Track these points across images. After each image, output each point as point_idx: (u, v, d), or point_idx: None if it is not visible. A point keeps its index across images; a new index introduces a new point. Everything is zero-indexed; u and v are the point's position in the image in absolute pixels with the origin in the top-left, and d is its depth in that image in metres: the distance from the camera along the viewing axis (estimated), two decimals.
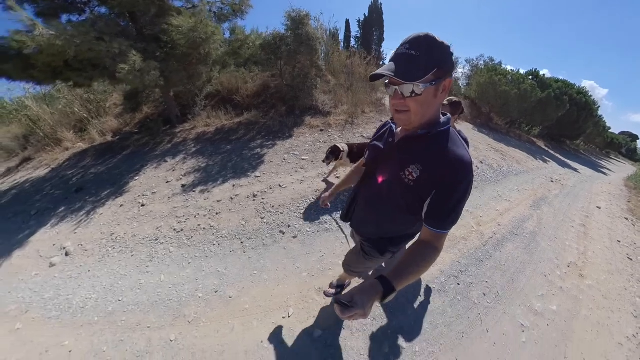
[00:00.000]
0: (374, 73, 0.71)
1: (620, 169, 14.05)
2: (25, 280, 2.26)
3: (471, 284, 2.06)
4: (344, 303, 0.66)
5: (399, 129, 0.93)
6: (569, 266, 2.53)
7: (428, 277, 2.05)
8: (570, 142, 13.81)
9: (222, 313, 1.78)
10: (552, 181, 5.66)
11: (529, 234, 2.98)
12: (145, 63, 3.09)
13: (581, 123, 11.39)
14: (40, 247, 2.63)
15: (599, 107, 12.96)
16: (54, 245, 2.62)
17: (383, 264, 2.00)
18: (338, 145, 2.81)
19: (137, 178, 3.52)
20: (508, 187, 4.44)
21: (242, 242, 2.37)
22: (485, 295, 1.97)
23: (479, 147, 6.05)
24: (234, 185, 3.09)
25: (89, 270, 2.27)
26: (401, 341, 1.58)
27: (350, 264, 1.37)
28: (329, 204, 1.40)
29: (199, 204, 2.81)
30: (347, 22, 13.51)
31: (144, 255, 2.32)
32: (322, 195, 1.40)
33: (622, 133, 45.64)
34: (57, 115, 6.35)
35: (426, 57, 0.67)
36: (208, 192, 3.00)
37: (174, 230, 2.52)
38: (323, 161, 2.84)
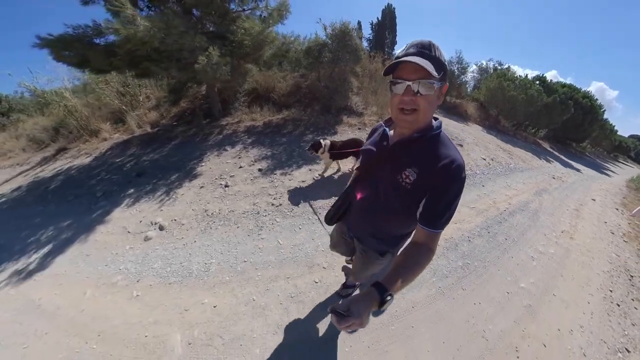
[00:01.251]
0: (400, 59, 0.76)
1: (625, 172, 14.84)
2: (121, 253, 2.60)
3: (496, 234, 3.04)
4: (340, 313, 0.68)
5: (392, 132, 0.99)
6: (562, 232, 3.46)
7: (469, 228, 3.01)
8: (576, 145, 14.82)
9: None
10: (553, 178, 6.59)
11: (532, 211, 3.92)
12: (221, 58, 3.86)
13: (586, 126, 12.41)
14: (123, 224, 3.05)
15: (605, 110, 13.98)
16: (140, 221, 3.02)
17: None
18: (321, 140, 3.36)
19: (202, 164, 4.15)
20: (515, 180, 5.36)
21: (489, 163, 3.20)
22: (506, 239, 2.97)
23: (489, 146, 6.98)
24: (310, 170, 3.89)
25: (194, 241, 2.66)
26: (462, 262, 2.48)
27: (357, 272, 1.46)
28: None
29: (286, 184, 3.52)
30: (359, 23, 14.52)
31: (252, 226, 2.82)
32: None
33: (632, 136, 46.30)
34: (91, 107, 7.07)
35: (437, 58, 0.76)
36: (289, 174, 3.71)
37: (272, 205, 3.15)
38: (306, 150, 3.47)
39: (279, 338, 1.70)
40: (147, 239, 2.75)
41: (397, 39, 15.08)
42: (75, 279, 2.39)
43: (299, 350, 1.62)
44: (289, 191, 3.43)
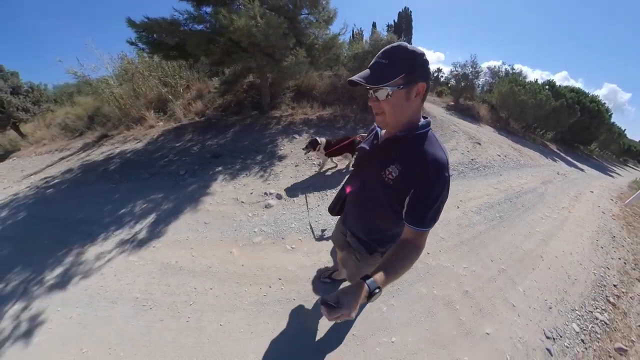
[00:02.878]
0: (350, 79, 0.90)
1: (632, 175, 15.95)
2: (246, 220, 3.11)
3: (516, 203, 4.36)
4: (330, 304, 0.76)
5: (383, 131, 1.12)
6: (562, 207, 4.78)
7: (497, 199, 4.29)
8: (583, 147, 16.28)
9: None
10: (558, 173, 7.94)
11: (540, 193, 5.24)
12: (305, 58, 4.89)
13: (592, 129, 13.88)
14: (232, 196, 3.63)
15: (612, 114, 15.45)
16: (251, 193, 3.63)
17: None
18: (317, 138, 3.83)
19: (282, 149, 4.98)
20: (525, 173, 6.68)
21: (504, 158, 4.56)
22: (523, 206, 4.29)
23: (502, 145, 8.33)
24: None
25: (318, 205, 3.36)
26: (498, 215, 3.73)
27: (347, 271, 1.58)
28: None
29: None
30: (374, 24, 15.86)
31: None
32: None
33: None
34: (129, 96, 7.62)
35: (394, 64, 0.85)
36: None
37: None
38: (303, 149, 3.99)
39: None
40: (268, 206, 3.32)
41: (412, 41, 16.48)
42: (208, 243, 2.80)
43: None
44: None
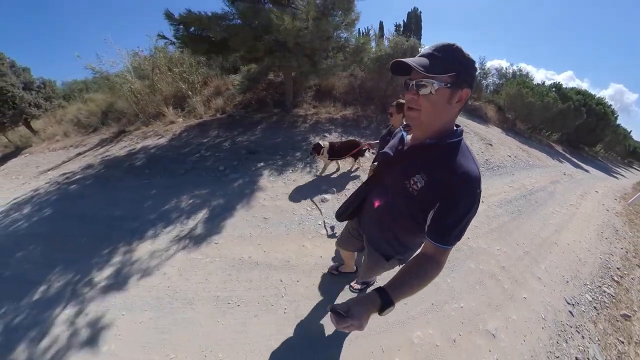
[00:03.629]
0: (399, 60, 0.86)
1: (636, 176, 16.78)
2: (307, 214, 3.35)
3: (530, 199, 4.97)
4: (340, 313, 0.77)
5: (409, 137, 1.09)
6: (570, 204, 5.39)
7: (513, 195, 4.88)
8: (588, 149, 17.09)
9: None
10: (564, 174, 8.58)
11: (550, 192, 5.86)
12: (341, 61, 5.40)
13: (598, 131, 14.60)
14: (284, 191, 3.87)
15: (618, 116, 16.17)
16: (303, 188, 3.95)
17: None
18: (320, 142, 3.91)
19: None
20: (534, 173, 7.29)
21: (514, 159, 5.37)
22: (536, 202, 4.90)
23: (512, 147, 8.94)
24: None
25: None
26: (517, 209, 4.29)
27: (362, 272, 1.60)
28: None
29: None
30: (381, 23, 16.38)
31: None
32: None
33: None
34: (144, 92, 7.70)
35: (448, 60, 0.82)
36: None
37: None
38: (309, 155, 4.18)
39: None
40: (324, 200, 3.57)
41: (422, 42, 16.94)
42: (275, 238, 2.94)
43: None
44: None
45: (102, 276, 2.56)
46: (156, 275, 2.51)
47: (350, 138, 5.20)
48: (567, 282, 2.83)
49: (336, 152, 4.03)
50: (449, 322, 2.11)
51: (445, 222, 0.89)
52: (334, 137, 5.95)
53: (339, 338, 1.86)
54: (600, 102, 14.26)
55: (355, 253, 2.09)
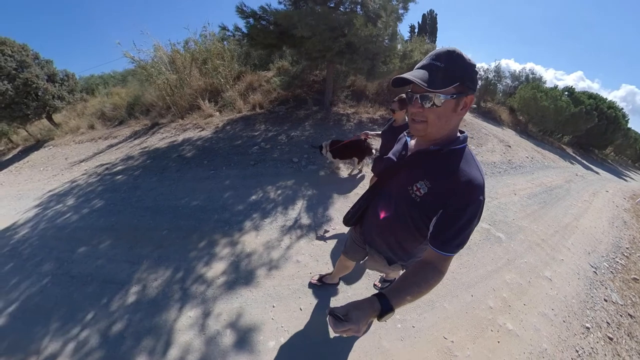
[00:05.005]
0: (398, 76, 0.89)
1: None
2: None
3: (550, 194, 6.05)
4: (338, 316, 0.80)
5: (413, 142, 1.15)
6: (584, 200, 6.48)
7: (536, 190, 5.94)
8: (598, 152, 18.30)
9: None
10: (576, 175, 9.68)
11: (565, 189, 6.95)
12: (398, 65, 6.19)
13: (609, 134, 15.73)
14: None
15: (628, 119, 17.27)
16: None
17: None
18: (322, 143, 4.12)
19: (374, 142, 5.20)
20: (550, 173, 8.35)
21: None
22: (556, 197, 5.99)
23: (527, 148, 10.03)
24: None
25: None
26: (541, 200, 5.32)
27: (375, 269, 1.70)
28: None
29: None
30: None
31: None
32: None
33: None
34: (179, 84, 8.04)
35: (450, 70, 0.85)
36: None
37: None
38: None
39: None
40: None
41: (437, 43, 18.08)
42: None
43: None
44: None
45: (215, 272, 2.60)
46: (289, 264, 2.67)
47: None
48: (589, 253, 3.87)
49: (338, 150, 4.06)
50: (522, 270, 3.15)
51: (448, 229, 0.92)
52: None
53: None
54: (612, 106, 15.43)
55: (353, 266, 2.06)
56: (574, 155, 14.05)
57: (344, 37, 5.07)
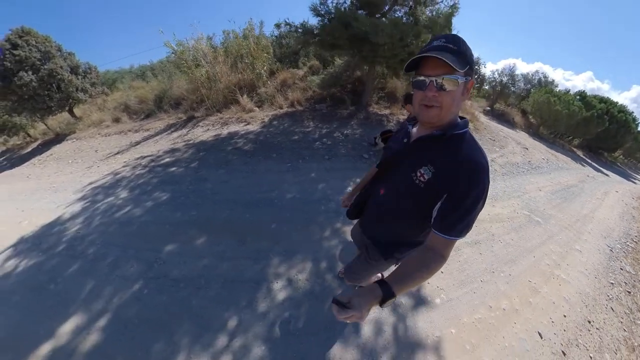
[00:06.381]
0: (422, 54, 0.94)
1: None
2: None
3: (568, 191, 7.21)
4: (342, 303, 0.89)
5: (415, 129, 1.22)
6: (597, 198, 7.63)
7: (556, 187, 7.10)
8: (608, 154, 19.64)
9: None
10: (588, 176, 10.84)
11: (579, 188, 8.10)
12: None
13: (619, 138, 16.96)
14: None
15: (639, 123, 18.52)
16: None
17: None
18: (374, 136, 4.92)
19: None
20: (564, 174, 9.49)
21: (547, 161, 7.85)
22: (572, 194, 7.15)
23: (542, 150, 11.19)
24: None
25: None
26: (562, 196, 6.44)
27: (353, 270, 1.80)
28: (348, 205, 1.74)
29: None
30: None
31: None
32: (341, 198, 1.88)
33: None
34: (211, 79, 8.46)
35: (462, 52, 0.91)
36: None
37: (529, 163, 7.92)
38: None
39: None
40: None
41: None
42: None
43: None
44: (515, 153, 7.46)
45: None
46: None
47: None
48: (605, 237, 4.98)
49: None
50: (559, 243, 4.29)
51: (453, 213, 0.99)
52: None
53: None
54: (622, 110, 16.73)
55: None
56: (584, 157, 15.26)
57: (407, 47, 5.58)
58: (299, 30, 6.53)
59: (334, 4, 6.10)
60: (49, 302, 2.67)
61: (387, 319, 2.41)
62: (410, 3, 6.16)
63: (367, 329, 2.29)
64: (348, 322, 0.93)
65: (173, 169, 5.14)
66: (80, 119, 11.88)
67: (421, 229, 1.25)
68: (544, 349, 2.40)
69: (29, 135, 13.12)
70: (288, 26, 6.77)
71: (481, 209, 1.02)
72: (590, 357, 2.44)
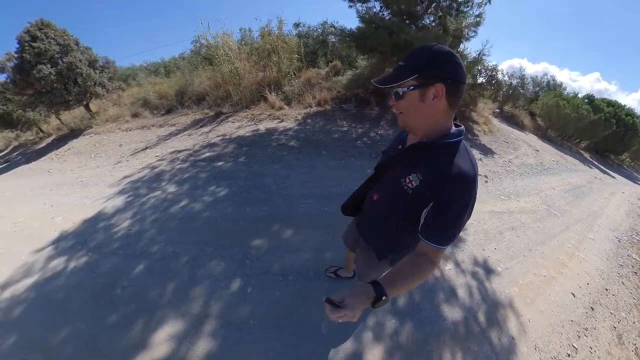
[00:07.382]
0: (372, 80, 1.11)
1: None
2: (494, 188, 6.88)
3: (578, 190, 8.09)
4: (334, 303, 0.93)
5: (410, 136, 1.29)
6: (605, 198, 8.49)
7: (567, 187, 8.00)
8: (614, 157, 20.66)
9: None
10: (595, 178, 11.74)
11: (588, 188, 8.96)
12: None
13: (626, 141, 17.99)
14: (495, 169, 7.06)
15: None
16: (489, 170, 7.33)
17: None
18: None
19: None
20: (573, 175, 10.33)
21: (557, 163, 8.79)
22: (583, 193, 8.04)
23: (552, 152, 12.04)
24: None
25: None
26: (574, 194, 7.29)
27: (360, 272, 1.86)
28: None
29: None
30: None
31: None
32: None
33: None
34: (235, 76, 8.60)
35: (408, 65, 1.01)
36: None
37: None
38: None
39: None
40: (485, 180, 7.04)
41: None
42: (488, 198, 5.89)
43: None
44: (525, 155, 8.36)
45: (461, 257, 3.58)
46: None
47: None
48: (613, 230, 5.83)
49: None
50: (576, 232, 5.12)
51: (437, 222, 1.05)
52: None
53: None
54: (630, 113, 17.73)
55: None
56: (591, 159, 16.14)
57: None
58: (346, 34, 7.22)
59: (375, 12, 6.91)
60: (122, 308, 2.51)
61: (472, 284, 3.22)
62: (440, 13, 6.97)
63: (461, 292, 3.03)
64: (340, 321, 0.95)
65: (220, 163, 5.24)
66: (97, 114, 12.20)
67: (409, 234, 1.30)
68: (577, 304, 3.32)
69: (41, 131, 13.49)
70: (332, 28, 7.35)
71: (467, 219, 1.07)
72: (611, 313, 3.33)
